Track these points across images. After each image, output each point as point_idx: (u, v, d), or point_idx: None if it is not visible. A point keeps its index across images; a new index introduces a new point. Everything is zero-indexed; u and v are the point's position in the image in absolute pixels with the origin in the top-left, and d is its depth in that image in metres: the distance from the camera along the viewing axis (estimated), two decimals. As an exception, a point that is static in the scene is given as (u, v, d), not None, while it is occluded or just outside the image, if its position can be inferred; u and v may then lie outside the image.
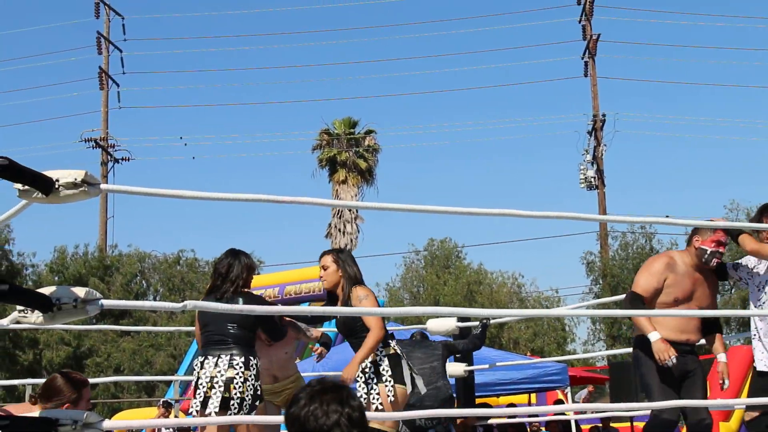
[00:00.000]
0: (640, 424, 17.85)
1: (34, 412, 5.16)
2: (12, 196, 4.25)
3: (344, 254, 7.43)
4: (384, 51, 67.24)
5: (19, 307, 4.12)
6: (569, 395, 14.47)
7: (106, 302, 4.14)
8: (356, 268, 7.31)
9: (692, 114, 69.39)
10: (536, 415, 14.48)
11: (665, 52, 68.04)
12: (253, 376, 6.80)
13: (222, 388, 6.71)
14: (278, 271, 24.49)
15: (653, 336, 6.91)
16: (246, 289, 7.18)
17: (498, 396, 14.64)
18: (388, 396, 6.81)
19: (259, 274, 34.56)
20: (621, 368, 12.23)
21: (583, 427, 16.65)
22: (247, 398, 6.73)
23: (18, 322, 4.37)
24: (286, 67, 63.36)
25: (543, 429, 15.25)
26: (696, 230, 7.27)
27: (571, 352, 35.64)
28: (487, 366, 10.57)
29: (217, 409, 6.66)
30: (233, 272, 7.11)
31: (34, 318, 4.03)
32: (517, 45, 72.09)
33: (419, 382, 7.18)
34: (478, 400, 10.97)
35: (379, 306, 7.03)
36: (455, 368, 9.90)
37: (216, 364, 6.78)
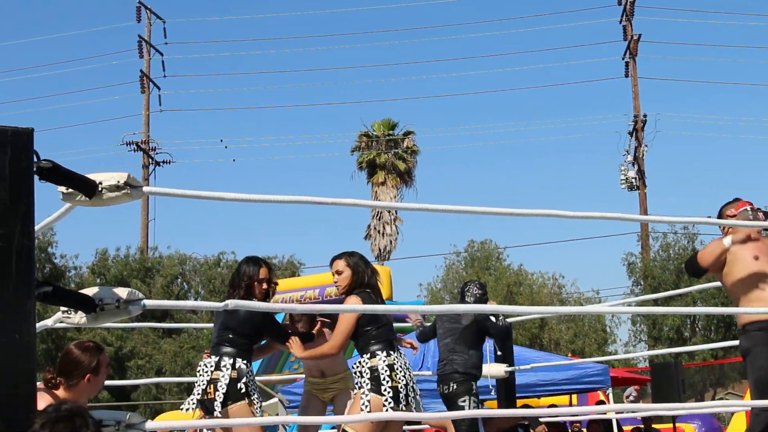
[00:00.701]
0: (683, 425, 17.77)
1: (59, 394, 5.15)
2: (51, 200, 4.29)
3: (356, 257, 7.36)
4: (423, 52, 67.33)
5: (62, 308, 4.16)
6: (611, 396, 14.41)
7: (148, 302, 4.17)
8: (369, 273, 7.29)
9: (734, 114, 68.86)
10: (577, 416, 14.43)
11: (706, 52, 67.64)
12: (240, 377, 6.95)
13: (204, 390, 6.98)
14: (318, 273, 24.51)
15: None
16: (254, 296, 7.25)
17: (539, 397, 14.61)
18: (363, 408, 6.74)
19: (299, 275, 34.69)
20: (663, 369, 12.13)
21: (624, 428, 16.57)
22: (218, 397, 6.90)
23: (62, 323, 4.42)
24: (326, 69, 63.37)
25: (584, 430, 15.19)
26: (722, 210, 7.12)
27: (612, 353, 35.48)
28: (528, 367, 10.55)
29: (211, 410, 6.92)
30: (236, 281, 7.29)
31: (78, 319, 4.06)
32: (558, 46, 71.95)
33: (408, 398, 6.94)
34: (519, 402, 10.95)
35: (356, 319, 7.02)
36: (496, 369, 9.89)
37: (205, 366, 7.05)
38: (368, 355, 6.92)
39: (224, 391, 6.90)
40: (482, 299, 9.49)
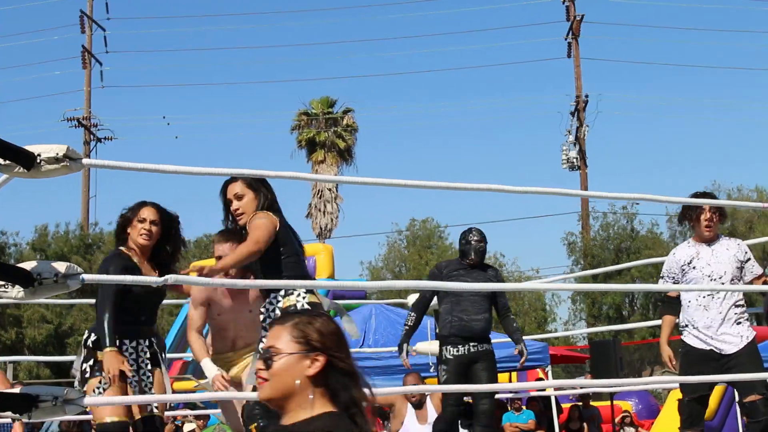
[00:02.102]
0: (620, 402, 17.96)
1: None
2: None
3: (254, 179, 6.04)
4: (362, 30, 67.11)
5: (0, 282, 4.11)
6: (550, 374, 14.54)
7: (86, 276, 4.14)
8: (272, 196, 6.07)
9: (674, 95, 69.57)
10: (517, 393, 14.55)
11: (648, 33, 68.16)
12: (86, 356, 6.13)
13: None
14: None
15: None
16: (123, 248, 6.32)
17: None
18: None
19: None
20: (601, 346, 12.28)
21: (563, 406, 16.74)
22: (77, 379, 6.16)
23: (-1, 298, 4.37)
24: (267, 46, 63.21)
25: (524, 407, 15.32)
26: None
27: (552, 331, 35.82)
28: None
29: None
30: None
31: (15, 293, 4.01)
32: (500, 25, 72.10)
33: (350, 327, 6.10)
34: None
35: (275, 226, 5.85)
36: (435, 347, 9.90)
37: None
38: (282, 293, 5.89)
39: (79, 372, 6.13)
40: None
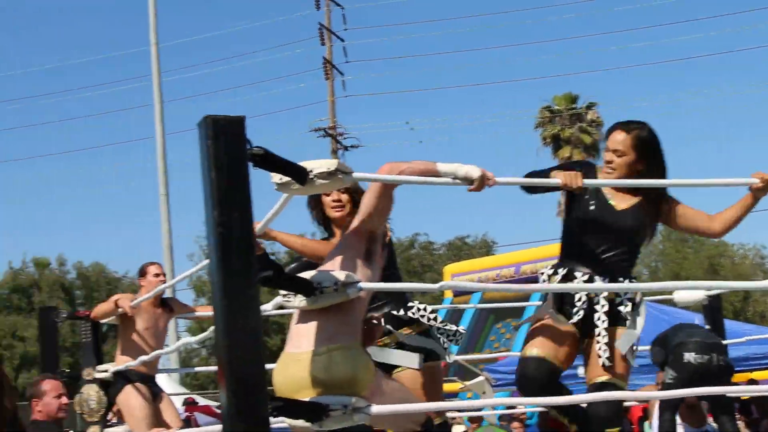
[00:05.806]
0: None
1: None
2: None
3: (651, 132, 5.08)
4: (603, 23, 66.30)
5: (282, 292, 4.23)
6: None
7: (363, 285, 4.18)
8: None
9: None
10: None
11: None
12: None
13: None
14: (512, 251, 24.42)
15: None
16: None
17: (751, 371, 14.23)
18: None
19: (494, 254, 34.59)
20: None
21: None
22: None
23: (282, 307, 4.51)
24: (506, 46, 63.16)
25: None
26: None
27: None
28: (743, 339, 10.11)
29: None
30: None
31: (297, 302, 4.15)
32: None
33: None
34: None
35: None
36: (695, 294, 9.48)
37: None
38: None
39: None
40: None
